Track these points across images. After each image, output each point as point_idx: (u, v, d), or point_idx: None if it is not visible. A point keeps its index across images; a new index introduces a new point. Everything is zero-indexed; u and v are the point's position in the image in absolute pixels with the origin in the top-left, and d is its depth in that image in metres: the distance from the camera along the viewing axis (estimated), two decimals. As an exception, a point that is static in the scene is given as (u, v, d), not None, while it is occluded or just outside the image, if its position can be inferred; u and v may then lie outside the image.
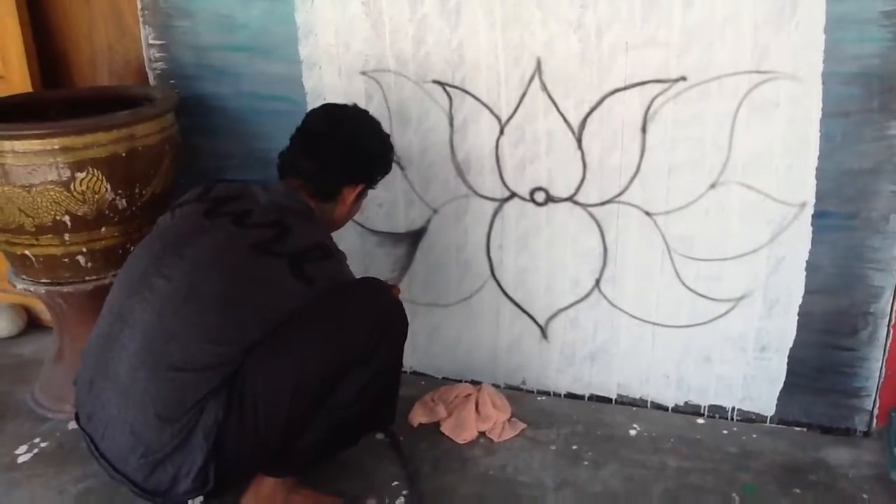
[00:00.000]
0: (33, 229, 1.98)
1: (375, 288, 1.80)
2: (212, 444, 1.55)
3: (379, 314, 1.71)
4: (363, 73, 2.17)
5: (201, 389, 1.55)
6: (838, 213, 1.92)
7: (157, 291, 1.60)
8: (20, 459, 2.06)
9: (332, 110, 1.88)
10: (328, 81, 2.19)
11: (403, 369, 2.37)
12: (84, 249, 2.05)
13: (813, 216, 1.94)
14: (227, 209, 1.71)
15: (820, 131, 1.87)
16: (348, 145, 1.80)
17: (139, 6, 2.30)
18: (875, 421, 2.07)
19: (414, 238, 2.29)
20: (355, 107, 1.90)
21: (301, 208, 1.76)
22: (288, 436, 1.63)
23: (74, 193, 1.94)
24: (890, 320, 1.97)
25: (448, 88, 2.11)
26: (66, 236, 2.00)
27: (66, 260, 2.05)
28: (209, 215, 1.70)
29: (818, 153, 1.88)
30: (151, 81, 2.37)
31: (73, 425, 2.01)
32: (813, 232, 1.95)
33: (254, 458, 1.66)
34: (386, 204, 2.28)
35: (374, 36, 2.12)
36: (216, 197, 1.76)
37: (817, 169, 1.90)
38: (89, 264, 2.07)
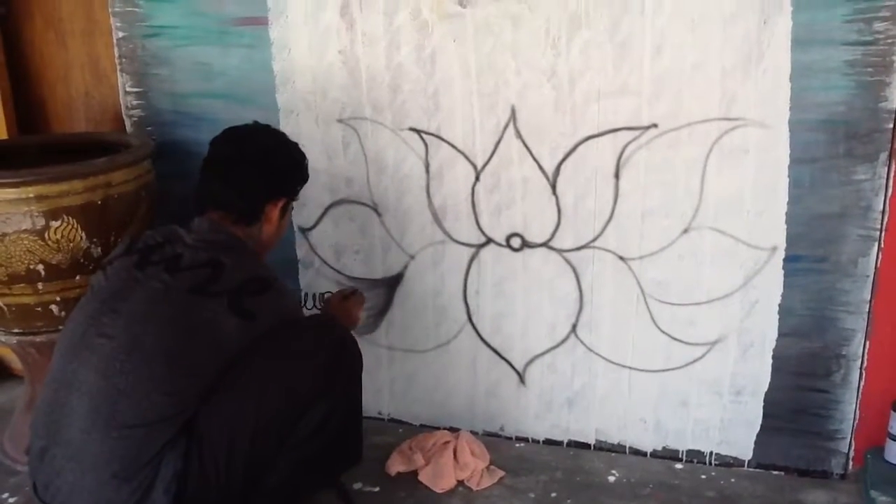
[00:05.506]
0: (6, 278, 1.95)
1: (325, 324, 1.81)
2: (172, 497, 1.52)
3: (330, 351, 1.71)
4: (340, 120, 2.19)
5: (156, 443, 1.52)
6: (809, 257, 1.95)
7: (99, 351, 1.56)
8: (-13, 515, 2.01)
9: (233, 132, 1.85)
10: (305, 129, 2.21)
11: (381, 416, 2.38)
12: (58, 298, 2.02)
13: (784, 260, 1.96)
14: (158, 257, 1.68)
15: (788, 177, 1.90)
16: (258, 162, 1.78)
17: (117, 54, 2.32)
18: (851, 463, 2.07)
19: (391, 284, 2.29)
20: (256, 123, 1.87)
21: (229, 241, 1.74)
22: (251, 480, 1.60)
23: (49, 242, 1.92)
24: (862, 363, 1.99)
25: (424, 135, 2.13)
26: (40, 285, 1.98)
27: (39, 309, 2.03)
28: (140, 266, 1.66)
29: (787, 198, 1.91)
30: (128, 128, 2.38)
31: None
32: (785, 276, 1.97)
33: None
34: (363, 250, 2.28)
35: (350, 84, 2.14)
36: (144, 246, 1.72)
37: (787, 214, 1.93)
38: (63, 313, 2.04)
